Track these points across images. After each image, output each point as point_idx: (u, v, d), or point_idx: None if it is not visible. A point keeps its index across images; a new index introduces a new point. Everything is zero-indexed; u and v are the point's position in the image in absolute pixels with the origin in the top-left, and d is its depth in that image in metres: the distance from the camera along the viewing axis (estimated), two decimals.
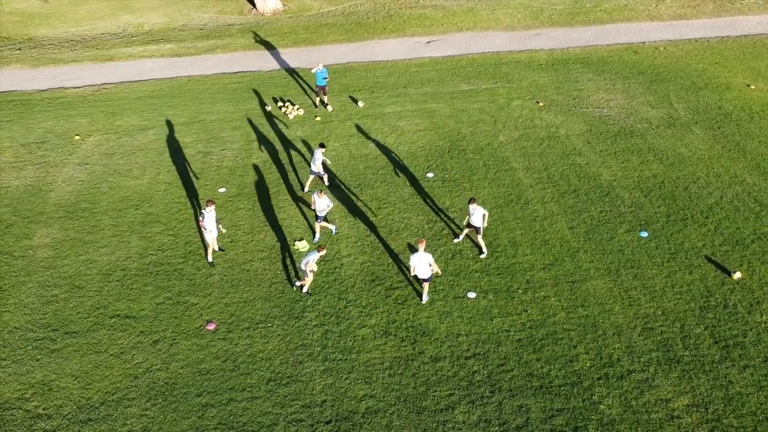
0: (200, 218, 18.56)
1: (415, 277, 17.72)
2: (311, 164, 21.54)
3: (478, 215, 18.55)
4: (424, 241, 16.95)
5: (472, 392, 15.16)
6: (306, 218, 21.02)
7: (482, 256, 19.17)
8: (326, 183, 22.32)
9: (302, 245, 19.48)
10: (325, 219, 19.91)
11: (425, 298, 17.66)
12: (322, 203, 19.16)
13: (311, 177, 22.04)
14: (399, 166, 23.52)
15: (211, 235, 18.75)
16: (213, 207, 18.45)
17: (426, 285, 17.46)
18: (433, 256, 19.15)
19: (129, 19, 37.78)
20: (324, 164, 22.38)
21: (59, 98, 29.27)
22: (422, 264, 16.94)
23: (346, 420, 14.64)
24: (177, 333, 16.98)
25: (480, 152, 24.20)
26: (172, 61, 32.78)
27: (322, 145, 21.45)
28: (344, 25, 36.15)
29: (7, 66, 32.49)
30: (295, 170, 23.57)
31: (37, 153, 25.02)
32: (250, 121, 26.87)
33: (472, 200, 18.54)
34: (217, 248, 19.43)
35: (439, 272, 17.65)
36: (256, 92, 29.36)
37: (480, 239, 19.03)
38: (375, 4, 38.95)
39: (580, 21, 35.69)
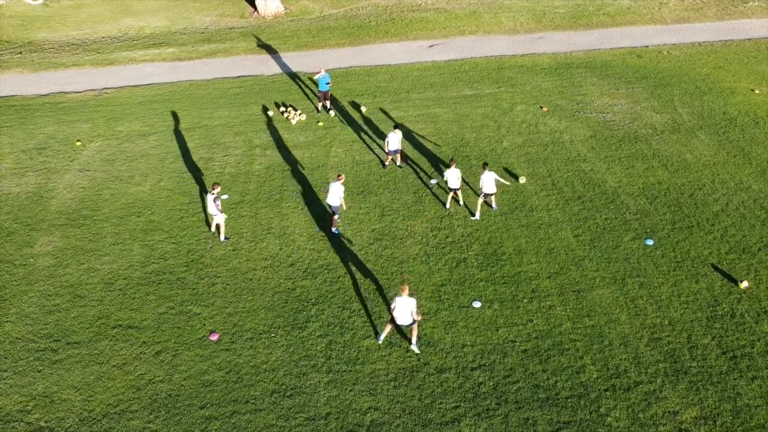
0: (216, 203, 19.60)
1: (393, 320, 16.14)
2: (388, 145, 22.84)
3: (490, 181, 20.31)
4: (407, 287, 15.75)
5: (477, 404, 15.02)
6: (316, 221, 20.90)
7: (474, 218, 20.94)
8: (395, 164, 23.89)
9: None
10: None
11: (414, 347, 16.31)
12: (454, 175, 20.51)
13: (389, 157, 23.31)
14: (402, 172, 23.37)
15: (217, 218, 19.99)
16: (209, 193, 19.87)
17: (414, 328, 16.14)
18: (437, 264, 19.06)
19: (130, 23, 37.66)
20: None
21: (60, 103, 29.13)
22: (404, 310, 15.71)
23: None
24: (180, 344, 16.84)
25: (484, 158, 24.05)
26: (174, 65, 32.64)
27: (396, 126, 22.78)
28: (346, 29, 36.02)
29: (7, 70, 32.36)
30: (297, 176, 23.43)
31: (38, 159, 24.89)
32: (252, 127, 26.74)
33: (485, 165, 20.33)
34: (222, 238, 20.34)
35: (420, 319, 16.14)
36: (258, 97, 29.23)
37: (487, 202, 21.12)
38: (377, 7, 38.82)
39: (583, 24, 35.55)
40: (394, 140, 22.71)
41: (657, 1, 37.87)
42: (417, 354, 16.27)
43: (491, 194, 20.68)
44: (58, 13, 39.39)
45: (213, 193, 19.60)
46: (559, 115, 26.79)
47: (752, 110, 26.63)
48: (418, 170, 23.47)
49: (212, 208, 19.80)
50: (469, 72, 30.80)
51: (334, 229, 20.54)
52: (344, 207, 20.24)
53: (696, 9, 36.96)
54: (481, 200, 20.80)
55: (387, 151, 22.98)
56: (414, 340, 16.36)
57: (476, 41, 34.16)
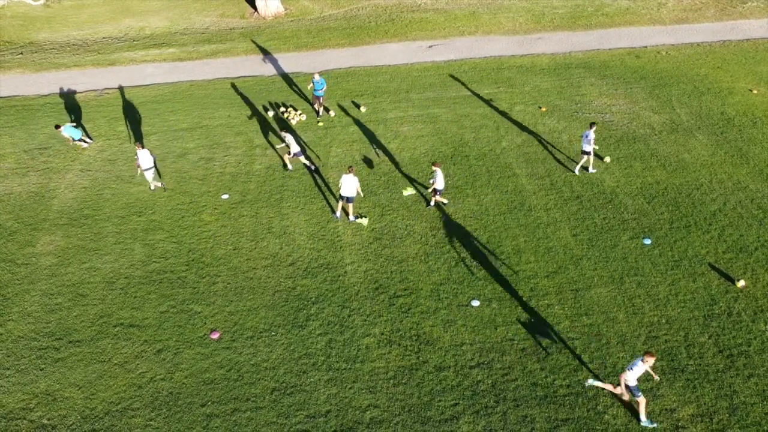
0: (152, 156, 22.58)
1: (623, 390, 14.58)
2: (290, 147, 23.29)
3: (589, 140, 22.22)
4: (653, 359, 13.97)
5: (476, 402, 15.16)
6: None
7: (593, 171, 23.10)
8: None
9: (364, 221, 20.88)
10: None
11: (644, 421, 14.63)
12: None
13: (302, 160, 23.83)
14: (402, 172, 23.50)
15: (149, 172, 22.31)
16: (142, 148, 22.05)
17: (640, 401, 14.47)
18: (436, 263, 19.20)
19: (130, 23, 37.77)
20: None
21: (61, 104, 29.25)
22: (637, 377, 14.16)
23: (350, 430, 14.64)
24: (181, 342, 16.98)
25: (483, 158, 24.19)
26: (174, 65, 32.77)
27: (286, 129, 23.53)
28: (346, 29, 36.14)
29: (8, 71, 32.48)
30: (297, 177, 23.56)
31: (39, 159, 25.02)
32: (252, 127, 26.86)
33: (592, 124, 22.18)
34: (160, 184, 22.92)
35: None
36: (258, 97, 29.35)
37: (590, 159, 22.77)
38: (376, 7, 38.94)
39: (582, 25, 35.67)
40: (292, 142, 23.01)
41: (656, 1, 38.00)
42: (651, 428, 14.52)
43: (588, 153, 22.40)
44: (59, 14, 39.51)
45: (142, 149, 22.05)
46: (558, 115, 26.91)
47: (750, 110, 26.75)
48: (418, 170, 23.60)
49: (148, 161, 22.12)
50: (469, 72, 30.92)
51: (351, 217, 21.12)
52: (361, 195, 21.28)
53: (694, 9, 37.09)
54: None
55: (291, 154, 23.15)
56: (642, 415, 14.56)
57: (475, 42, 34.28)
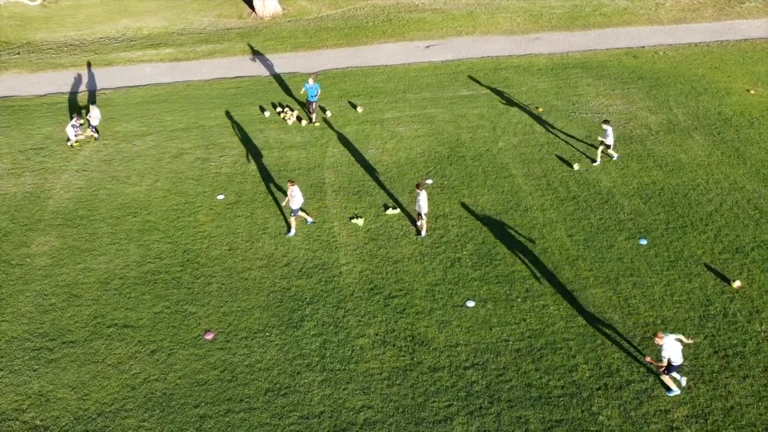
0: (76, 129, 25.60)
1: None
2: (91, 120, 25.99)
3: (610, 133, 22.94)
4: None
5: (470, 403, 15.11)
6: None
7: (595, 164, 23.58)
8: None
9: (359, 222, 20.76)
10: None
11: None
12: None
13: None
14: (398, 173, 23.45)
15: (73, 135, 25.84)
16: (79, 119, 25.55)
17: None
18: (432, 264, 19.15)
19: (128, 23, 37.74)
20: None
21: (58, 104, 29.22)
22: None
23: (344, 431, 14.59)
24: (175, 343, 16.93)
25: (479, 158, 24.15)
26: (171, 65, 32.73)
27: (93, 103, 26.33)
28: (343, 29, 36.11)
29: (5, 71, 32.45)
30: (294, 176, 23.51)
31: (35, 159, 24.98)
32: (248, 127, 26.82)
33: (606, 121, 22.89)
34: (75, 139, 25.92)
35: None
36: (255, 97, 29.32)
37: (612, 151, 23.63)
38: (374, 8, 38.90)
39: (580, 25, 35.64)
40: (94, 114, 25.55)
41: (653, 1, 37.96)
42: None
43: (610, 146, 23.17)
44: (56, 14, 39.47)
45: (75, 124, 25.41)
46: (555, 115, 26.86)
47: (747, 110, 26.70)
48: (414, 171, 23.56)
49: (72, 132, 25.34)
50: (466, 72, 30.89)
51: (294, 231, 20.55)
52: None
53: (692, 10, 37.05)
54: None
55: (92, 127, 25.96)
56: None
57: (473, 42, 34.25)
